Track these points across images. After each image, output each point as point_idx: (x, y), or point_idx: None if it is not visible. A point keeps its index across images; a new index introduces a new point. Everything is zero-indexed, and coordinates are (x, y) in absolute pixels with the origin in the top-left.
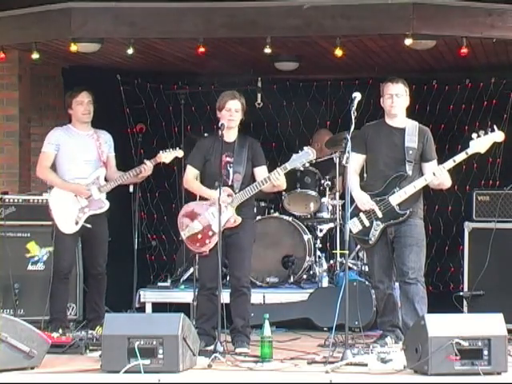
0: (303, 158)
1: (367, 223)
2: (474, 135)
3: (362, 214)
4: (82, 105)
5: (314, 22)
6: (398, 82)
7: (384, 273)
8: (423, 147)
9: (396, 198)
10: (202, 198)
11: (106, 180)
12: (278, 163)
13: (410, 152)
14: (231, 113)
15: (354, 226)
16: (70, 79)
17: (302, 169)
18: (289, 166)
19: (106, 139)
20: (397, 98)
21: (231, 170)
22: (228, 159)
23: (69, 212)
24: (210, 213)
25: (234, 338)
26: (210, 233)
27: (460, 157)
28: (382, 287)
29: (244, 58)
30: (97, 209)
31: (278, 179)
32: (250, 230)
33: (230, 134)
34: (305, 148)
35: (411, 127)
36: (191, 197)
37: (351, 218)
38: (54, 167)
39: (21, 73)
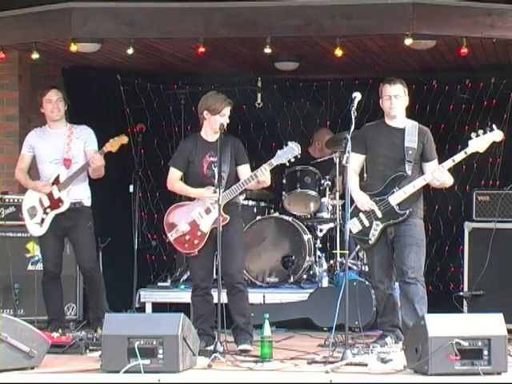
0: (288, 153)
1: (367, 223)
2: (473, 135)
3: (361, 214)
4: (51, 103)
5: (314, 22)
6: (395, 83)
7: (384, 273)
8: (423, 147)
9: (395, 198)
10: (187, 199)
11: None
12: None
13: (410, 152)
14: (226, 118)
15: (353, 226)
16: (70, 79)
17: (301, 168)
18: (274, 161)
19: (78, 135)
20: (395, 99)
21: (216, 170)
22: (212, 159)
23: (35, 214)
24: (196, 213)
25: (236, 336)
26: (198, 233)
27: (459, 156)
28: (382, 287)
29: (244, 58)
30: (57, 208)
31: (264, 175)
32: (239, 228)
33: (214, 135)
34: (289, 143)
35: (411, 127)
36: (189, 197)
37: (351, 218)
38: (36, 169)
39: (21, 73)
